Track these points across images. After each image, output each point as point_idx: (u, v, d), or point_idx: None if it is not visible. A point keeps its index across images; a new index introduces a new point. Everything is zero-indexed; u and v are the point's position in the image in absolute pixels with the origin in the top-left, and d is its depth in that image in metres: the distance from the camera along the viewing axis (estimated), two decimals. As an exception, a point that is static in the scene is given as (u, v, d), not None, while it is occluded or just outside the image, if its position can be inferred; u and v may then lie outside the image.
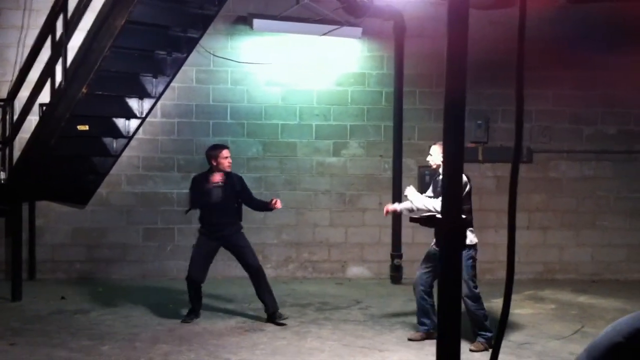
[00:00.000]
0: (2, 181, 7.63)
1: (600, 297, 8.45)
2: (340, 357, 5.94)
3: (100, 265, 9.06)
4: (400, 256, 9.19)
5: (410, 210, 6.19)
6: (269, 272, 8.01)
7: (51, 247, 8.93)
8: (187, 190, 9.02)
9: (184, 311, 7.12)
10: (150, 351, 5.96)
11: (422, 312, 6.28)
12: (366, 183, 9.45)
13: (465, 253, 5.92)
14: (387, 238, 9.30)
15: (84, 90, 6.55)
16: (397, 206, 6.59)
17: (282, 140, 9.30)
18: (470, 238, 6.00)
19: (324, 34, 8.78)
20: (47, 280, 8.72)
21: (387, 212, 6.65)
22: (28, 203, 8.51)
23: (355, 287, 8.88)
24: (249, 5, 9.07)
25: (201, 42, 7.39)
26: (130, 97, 7.23)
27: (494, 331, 6.13)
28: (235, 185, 6.92)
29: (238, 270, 8.54)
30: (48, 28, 7.02)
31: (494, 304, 6.99)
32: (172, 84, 7.60)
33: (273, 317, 6.88)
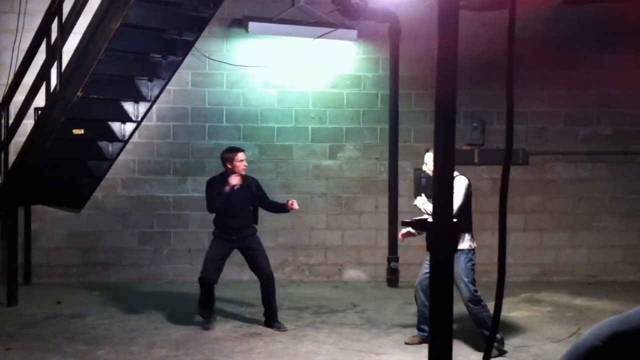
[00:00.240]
0: (-2, 185, 7.62)
1: (596, 299, 8.44)
2: (337, 360, 5.93)
3: (96, 269, 9.04)
4: (396, 259, 9.16)
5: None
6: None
7: (47, 251, 8.91)
8: (183, 194, 9.12)
9: (181, 315, 7.11)
10: (146, 355, 5.95)
11: (422, 318, 6.22)
12: (362, 186, 9.44)
13: (464, 256, 5.91)
14: (384, 241, 9.27)
15: (79, 93, 6.54)
16: (410, 229, 6.12)
17: (277, 143, 9.29)
18: (470, 242, 5.97)
19: (319, 37, 8.78)
20: (42, 285, 8.70)
21: (403, 238, 6.31)
22: (24, 207, 8.50)
23: (352, 290, 8.87)
24: (244, 8, 9.07)
25: (196, 45, 7.39)
26: (125, 100, 7.22)
27: (502, 334, 6.12)
28: (252, 188, 6.89)
29: (234, 274, 8.58)
30: (43, 31, 7.00)
31: (490, 307, 6.97)
32: (167, 87, 7.58)
33: (271, 325, 6.86)
